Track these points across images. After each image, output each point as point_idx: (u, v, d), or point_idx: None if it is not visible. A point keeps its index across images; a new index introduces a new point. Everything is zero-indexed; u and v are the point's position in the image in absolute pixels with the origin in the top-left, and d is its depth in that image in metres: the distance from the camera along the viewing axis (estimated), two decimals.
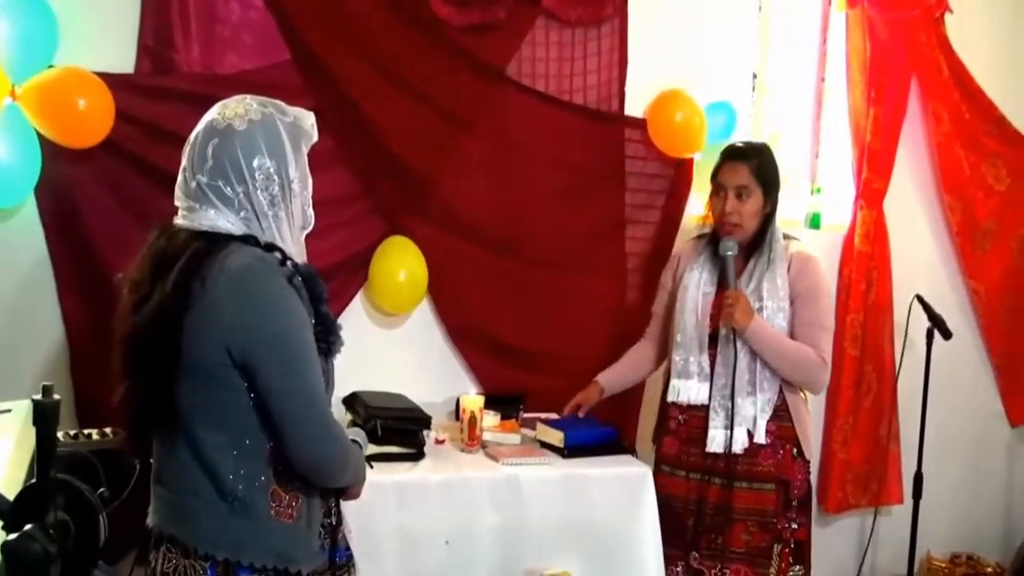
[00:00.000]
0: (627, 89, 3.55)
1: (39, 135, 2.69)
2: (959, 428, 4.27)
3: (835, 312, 3.97)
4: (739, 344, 2.79)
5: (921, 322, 3.79)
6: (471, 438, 2.92)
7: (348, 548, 2.02)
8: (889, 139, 3.97)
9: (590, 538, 2.80)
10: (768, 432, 2.82)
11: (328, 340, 1.83)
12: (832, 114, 4.08)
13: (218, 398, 1.71)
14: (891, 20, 3.89)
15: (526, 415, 3.26)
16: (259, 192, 1.73)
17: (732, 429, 2.79)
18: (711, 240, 2.95)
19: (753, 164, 2.83)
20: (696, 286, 2.92)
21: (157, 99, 2.86)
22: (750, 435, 2.82)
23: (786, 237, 2.93)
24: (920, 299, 3.78)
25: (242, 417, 1.72)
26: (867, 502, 4.00)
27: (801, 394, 2.90)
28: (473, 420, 2.91)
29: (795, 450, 2.86)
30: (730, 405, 2.81)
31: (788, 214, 4.05)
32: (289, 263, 1.76)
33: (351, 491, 2.00)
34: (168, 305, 1.67)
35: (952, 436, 4.21)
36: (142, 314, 1.70)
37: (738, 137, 3.68)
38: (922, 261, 4.19)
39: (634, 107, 3.57)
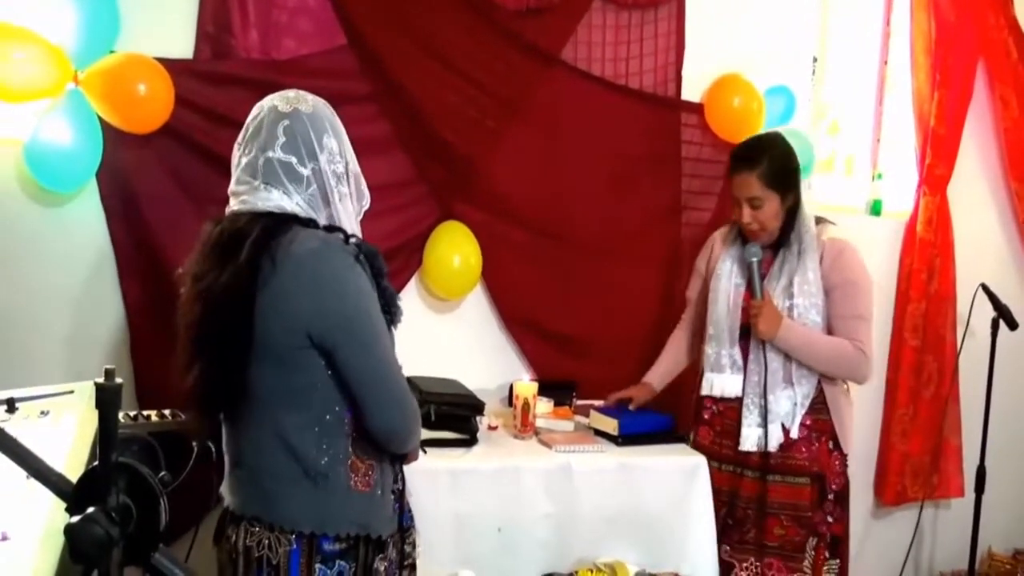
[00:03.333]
0: (684, 73, 3.51)
1: (101, 120, 2.73)
2: None
3: (895, 301, 3.93)
4: (768, 344, 2.75)
5: (985, 312, 3.70)
6: (524, 425, 2.91)
7: (410, 510, 2.09)
8: (954, 123, 3.87)
9: (643, 527, 2.79)
10: (803, 425, 2.77)
11: (390, 312, 1.90)
12: (895, 98, 3.99)
13: (296, 380, 1.77)
14: (958, 1, 3.79)
15: (579, 402, 3.25)
16: (327, 169, 1.83)
17: (767, 427, 2.75)
18: (741, 232, 2.86)
19: (760, 170, 2.70)
20: (727, 277, 2.86)
21: (216, 85, 2.88)
22: (785, 430, 2.76)
23: (820, 221, 2.83)
24: (985, 288, 3.69)
25: (321, 395, 1.78)
26: (926, 495, 3.93)
27: (843, 385, 2.84)
28: (526, 407, 2.91)
29: (831, 443, 2.80)
30: (763, 403, 2.76)
31: (848, 201, 4.00)
32: (352, 240, 1.83)
33: (409, 456, 2.06)
34: (242, 278, 1.72)
35: (1016, 429, 4.11)
36: (216, 288, 1.74)
37: (797, 123, 3.63)
38: (987, 249, 4.09)
39: (691, 92, 3.53)
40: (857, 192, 4.00)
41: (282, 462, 1.79)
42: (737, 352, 2.83)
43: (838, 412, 2.81)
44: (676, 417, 3.14)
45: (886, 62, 3.99)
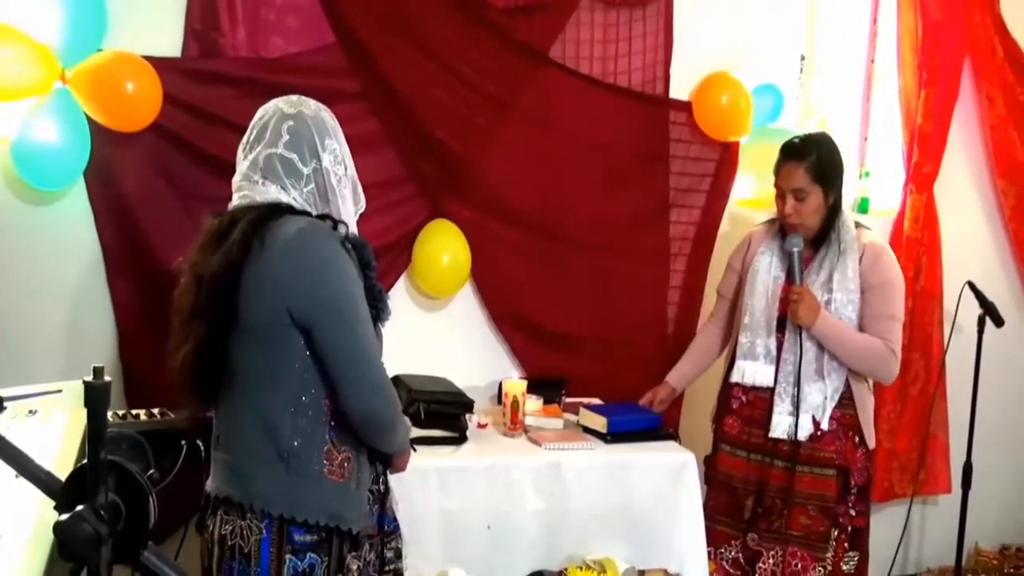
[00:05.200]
0: (672, 71, 3.51)
1: (88, 119, 2.72)
2: (1010, 417, 4.19)
3: None
4: (805, 333, 2.79)
5: (971, 309, 3.72)
6: (513, 423, 2.92)
7: (395, 519, 2.09)
8: (941, 121, 3.89)
9: (632, 524, 2.80)
10: (832, 418, 2.81)
11: (377, 307, 1.92)
12: (882, 96, 4.00)
13: (275, 358, 1.80)
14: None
15: (569, 400, 3.25)
16: (328, 170, 1.88)
17: (798, 416, 2.78)
18: (781, 228, 2.92)
19: (808, 163, 2.77)
20: (767, 270, 2.91)
21: (204, 83, 2.88)
22: (815, 422, 2.80)
23: (858, 226, 2.88)
24: (972, 286, 3.70)
25: (298, 375, 1.80)
26: (914, 491, 3.94)
27: (866, 382, 2.88)
28: (516, 404, 2.91)
29: (857, 438, 2.84)
30: (796, 392, 2.79)
31: None
32: (341, 227, 1.87)
33: (397, 463, 2.07)
34: (232, 256, 1.77)
35: (1002, 425, 4.13)
36: (208, 268, 1.78)
37: (784, 120, 3.64)
38: (973, 247, 4.10)
39: (679, 90, 3.53)
40: (844, 189, 4.00)
41: (258, 441, 1.81)
42: (772, 342, 2.86)
43: (863, 408, 2.85)
44: (665, 415, 3.16)
45: (873, 60, 4.00)
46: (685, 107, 3.53)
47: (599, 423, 2.94)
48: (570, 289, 3.44)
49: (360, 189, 2.00)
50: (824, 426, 2.80)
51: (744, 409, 2.93)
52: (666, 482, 2.83)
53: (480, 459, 2.72)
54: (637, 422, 2.98)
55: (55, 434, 1.76)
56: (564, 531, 2.74)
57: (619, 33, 3.45)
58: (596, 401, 3.22)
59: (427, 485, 2.59)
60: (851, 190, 4.02)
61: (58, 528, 1.09)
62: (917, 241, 3.89)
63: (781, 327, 2.85)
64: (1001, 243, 4.16)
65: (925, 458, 3.98)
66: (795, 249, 2.80)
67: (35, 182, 2.73)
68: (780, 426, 2.82)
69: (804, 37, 3.85)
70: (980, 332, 3.69)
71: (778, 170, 2.85)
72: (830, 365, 2.80)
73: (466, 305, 3.41)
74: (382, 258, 3.10)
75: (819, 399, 2.80)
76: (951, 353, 3.85)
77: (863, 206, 3.99)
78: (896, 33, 3.86)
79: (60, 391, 2.00)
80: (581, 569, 2.66)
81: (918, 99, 3.84)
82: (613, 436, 2.90)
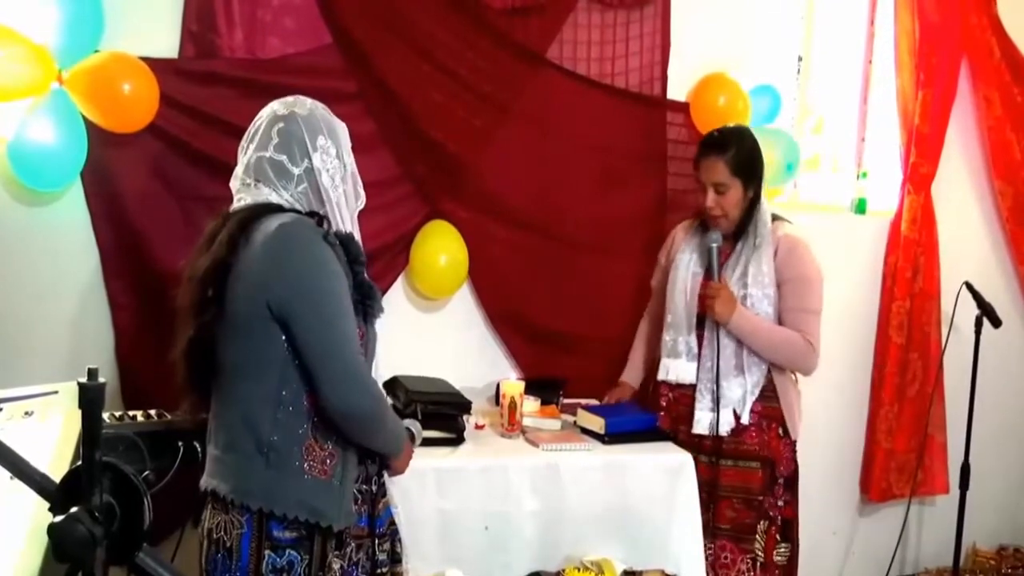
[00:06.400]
0: (670, 72, 3.52)
1: (85, 119, 2.72)
2: (1007, 418, 4.20)
3: (880, 299, 3.95)
4: (723, 329, 2.82)
5: (968, 310, 3.72)
6: (511, 423, 2.91)
7: (394, 524, 2.10)
8: (938, 122, 3.90)
9: (630, 525, 2.79)
10: (753, 412, 2.85)
11: (366, 303, 1.93)
12: (879, 97, 4.01)
13: (256, 352, 1.81)
14: (941, 1, 3.81)
15: (566, 401, 3.25)
16: (320, 169, 1.88)
17: (718, 412, 2.83)
18: (702, 223, 2.96)
19: (727, 156, 2.80)
20: (686, 267, 2.95)
21: (201, 84, 2.88)
22: (737, 416, 2.84)
23: (776, 219, 2.91)
24: (969, 286, 3.71)
25: (279, 369, 1.81)
26: (912, 492, 3.94)
27: (791, 375, 2.92)
28: (513, 405, 2.91)
29: (780, 429, 2.88)
30: (716, 388, 2.83)
31: (833, 199, 4.01)
32: (325, 223, 1.88)
33: (395, 466, 2.08)
34: (219, 255, 1.79)
35: (1000, 426, 4.14)
36: (201, 266, 1.82)
37: (781, 122, 3.65)
38: (970, 247, 4.12)
39: (677, 91, 3.54)
40: (842, 191, 4.02)
41: (241, 435, 1.82)
42: (693, 339, 2.91)
43: (787, 400, 2.88)
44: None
45: (870, 61, 4.01)
46: (682, 108, 3.53)
47: (597, 424, 2.94)
48: (568, 289, 3.44)
49: (360, 184, 2.02)
50: (745, 419, 2.83)
51: (671, 406, 2.98)
52: (663, 483, 2.82)
53: (478, 460, 2.71)
54: (635, 423, 2.98)
55: (51, 436, 1.76)
56: (562, 532, 2.73)
57: (616, 34, 3.45)
58: (594, 402, 3.22)
59: (424, 486, 2.58)
60: (849, 191, 4.03)
61: (52, 529, 1.09)
62: (915, 242, 3.90)
63: (701, 324, 2.89)
64: (998, 244, 4.17)
65: (923, 459, 3.98)
66: (714, 245, 2.84)
67: (32, 183, 2.73)
68: (701, 423, 2.86)
69: (801, 38, 3.86)
70: (978, 333, 3.70)
71: (698, 163, 2.87)
72: (750, 360, 2.83)
73: (464, 306, 3.41)
74: (379, 259, 3.11)
75: (739, 393, 2.84)
76: (948, 354, 3.86)
77: (861, 207, 4.00)
78: (894, 34, 3.87)
79: (56, 392, 2.00)
80: (579, 570, 2.65)
81: (915, 100, 3.85)
82: (611, 437, 2.89)
